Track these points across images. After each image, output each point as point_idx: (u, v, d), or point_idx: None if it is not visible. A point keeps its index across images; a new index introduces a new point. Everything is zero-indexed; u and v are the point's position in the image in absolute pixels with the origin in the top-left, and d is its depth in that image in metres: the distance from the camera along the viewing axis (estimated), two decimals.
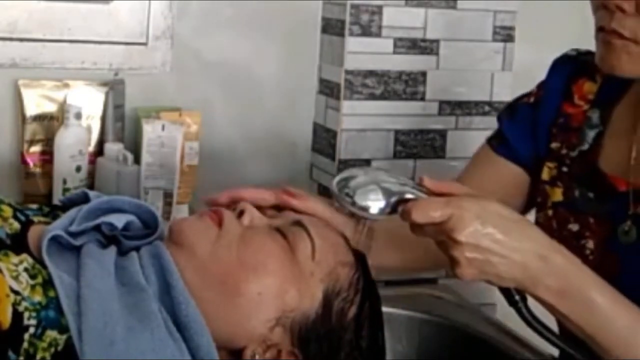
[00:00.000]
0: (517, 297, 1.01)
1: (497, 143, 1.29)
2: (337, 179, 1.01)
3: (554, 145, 1.23)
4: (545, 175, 1.23)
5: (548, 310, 1.01)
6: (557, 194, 1.21)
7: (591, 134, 1.19)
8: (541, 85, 1.28)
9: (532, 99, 1.27)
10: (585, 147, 1.19)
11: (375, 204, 0.98)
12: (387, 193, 0.98)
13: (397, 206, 0.98)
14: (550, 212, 1.21)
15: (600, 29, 1.06)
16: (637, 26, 1.01)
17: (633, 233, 1.11)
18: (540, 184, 1.24)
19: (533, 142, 1.25)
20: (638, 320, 0.99)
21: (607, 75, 1.16)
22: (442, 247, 0.98)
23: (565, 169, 1.21)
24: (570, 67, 1.24)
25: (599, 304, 0.97)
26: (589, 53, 1.23)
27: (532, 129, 1.25)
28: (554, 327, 1.06)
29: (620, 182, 1.13)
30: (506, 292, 1.01)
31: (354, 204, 0.98)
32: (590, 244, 1.15)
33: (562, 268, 0.97)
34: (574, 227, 1.17)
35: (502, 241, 0.95)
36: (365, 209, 0.98)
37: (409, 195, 0.98)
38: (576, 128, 1.21)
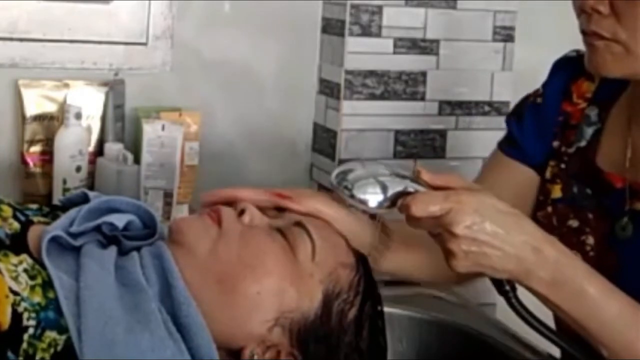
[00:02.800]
0: (507, 287, 1.02)
1: (507, 145, 1.29)
2: (336, 172, 1.01)
3: (555, 144, 1.24)
4: (548, 173, 1.24)
5: (540, 300, 1.02)
6: (557, 191, 1.22)
7: (589, 131, 1.20)
8: (544, 86, 1.29)
9: (538, 100, 1.28)
10: (583, 143, 1.20)
11: (374, 197, 0.98)
12: (385, 186, 0.98)
13: (396, 200, 0.98)
14: (550, 209, 1.22)
15: (583, 33, 1.08)
16: (615, 26, 1.03)
17: (630, 229, 1.12)
18: (543, 183, 1.24)
19: (541, 143, 1.25)
20: (628, 309, 1.00)
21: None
22: (438, 239, 0.99)
23: (563, 165, 1.22)
24: (570, 69, 1.25)
25: (590, 293, 0.99)
26: None
27: (539, 129, 1.26)
28: (541, 316, 1.07)
29: (616, 179, 1.14)
30: (496, 282, 1.03)
31: (352, 197, 0.99)
32: (590, 240, 1.16)
33: (555, 260, 0.98)
34: (574, 223, 1.18)
35: (498, 234, 0.96)
36: (364, 202, 0.98)
37: (408, 189, 0.98)
38: (574, 125, 1.22)
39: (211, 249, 0.95)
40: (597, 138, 1.19)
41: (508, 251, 0.97)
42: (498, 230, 0.96)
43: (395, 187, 0.98)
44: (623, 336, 0.99)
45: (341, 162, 1.72)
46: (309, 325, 0.95)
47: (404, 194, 0.98)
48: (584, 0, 1.04)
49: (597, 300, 0.99)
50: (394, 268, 1.25)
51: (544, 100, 1.26)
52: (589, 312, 0.99)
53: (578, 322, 1.00)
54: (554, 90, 1.26)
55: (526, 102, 1.30)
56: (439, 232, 0.97)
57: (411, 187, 0.98)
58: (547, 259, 0.98)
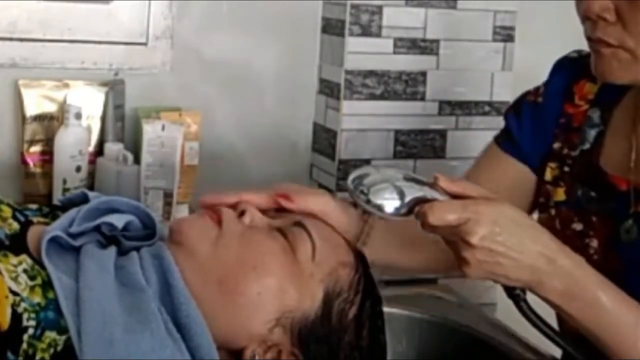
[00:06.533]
0: (517, 291, 1.02)
1: (503, 140, 1.29)
2: (352, 176, 1.00)
3: (555, 145, 1.23)
4: (547, 175, 1.23)
5: (554, 309, 1.02)
6: (560, 194, 1.21)
7: (592, 133, 1.20)
8: (545, 86, 1.28)
9: (539, 99, 1.27)
10: (587, 146, 1.19)
11: (390, 203, 0.98)
12: (402, 192, 0.98)
13: (413, 206, 0.98)
14: (553, 212, 1.21)
15: (588, 39, 1.07)
16: (621, 33, 1.02)
17: (634, 231, 1.11)
18: (543, 184, 1.24)
19: (538, 142, 1.25)
20: None
21: None
22: (452, 247, 0.99)
23: (567, 168, 1.21)
24: (571, 69, 1.24)
25: (604, 303, 0.99)
26: (590, 55, 1.23)
27: (537, 129, 1.26)
28: (551, 321, 1.07)
29: (621, 182, 1.14)
30: (507, 286, 1.02)
31: (368, 202, 0.98)
32: (594, 243, 1.15)
33: (569, 270, 0.98)
34: (578, 226, 1.18)
35: (513, 245, 0.96)
36: (380, 207, 0.98)
37: (425, 196, 0.98)
38: (577, 128, 1.21)
39: (211, 249, 0.95)
40: (600, 140, 1.19)
41: (522, 261, 0.97)
42: (514, 241, 0.96)
43: (412, 193, 0.98)
44: (636, 346, 0.99)
45: (341, 162, 1.72)
46: (309, 324, 0.96)
47: (421, 200, 0.97)
48: (589, 7, 1.03)
49: (611, 309, 0.99)
50: (404, 266, 1.26)
51: (545, 100, 1.26)
52: (603, 321, 0.99)
53: (591, 331, 1.00)
54: (555, 90, 1.25)
55: (526, 99, 1.29)
56: (454, 240, 0.97)
57: (428, 194, 0.98)
58: (561, 269, 0.98)
